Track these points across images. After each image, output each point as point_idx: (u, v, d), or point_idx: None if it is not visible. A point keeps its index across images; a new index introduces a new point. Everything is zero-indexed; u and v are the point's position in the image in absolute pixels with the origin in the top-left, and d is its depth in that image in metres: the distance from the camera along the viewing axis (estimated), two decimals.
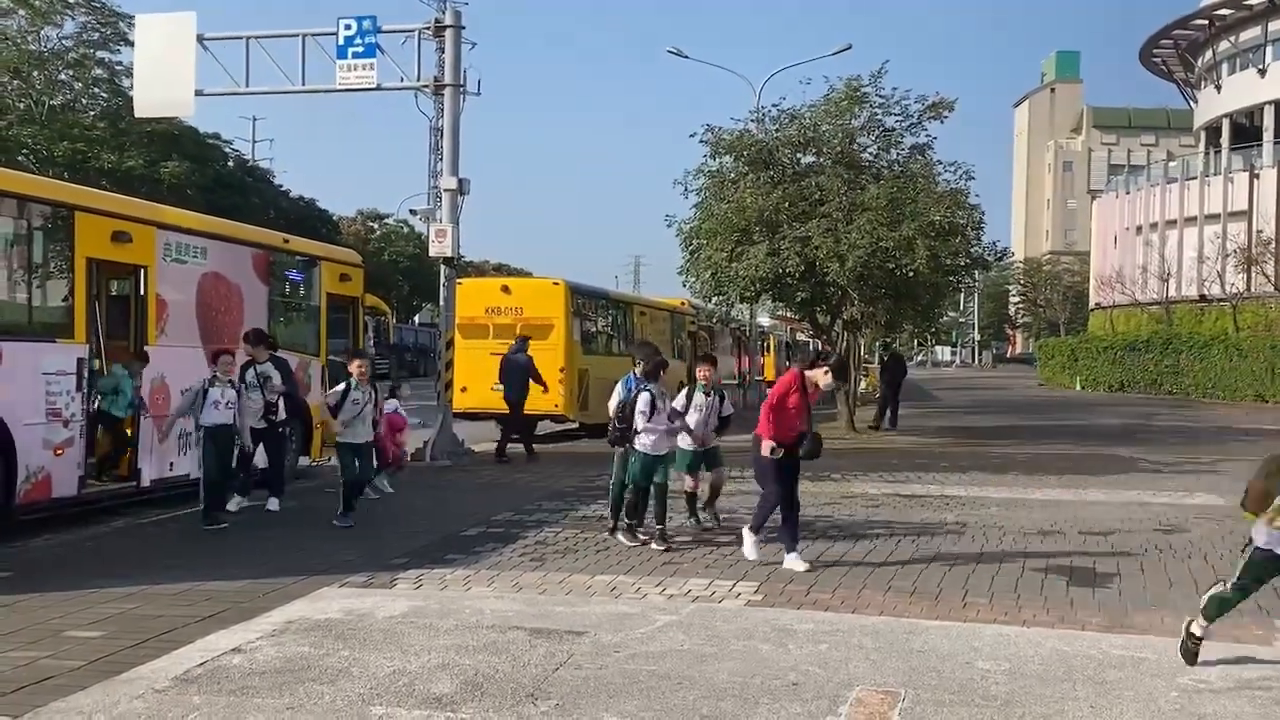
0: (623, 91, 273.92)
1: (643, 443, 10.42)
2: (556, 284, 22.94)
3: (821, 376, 9.59)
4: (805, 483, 15.53)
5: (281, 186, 59.89)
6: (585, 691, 6.10)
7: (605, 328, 25.89)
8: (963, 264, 23.66)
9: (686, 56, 38.42)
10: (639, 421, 10.31)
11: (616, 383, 12.10)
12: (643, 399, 10.34)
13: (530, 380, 19.00)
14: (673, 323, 30.31)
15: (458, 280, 20.46)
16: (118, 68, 45.69)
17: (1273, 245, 49.43)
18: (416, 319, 74.25)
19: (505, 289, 23.70)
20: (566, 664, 6.59)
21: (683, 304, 31.52)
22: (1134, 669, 6.61)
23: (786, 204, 21.95)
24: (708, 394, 11.25)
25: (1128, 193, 70.42)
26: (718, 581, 8.93)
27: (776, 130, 23.30)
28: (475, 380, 21.28)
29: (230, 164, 55.07)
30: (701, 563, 9.75)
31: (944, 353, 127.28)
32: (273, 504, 12.42)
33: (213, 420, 11.43)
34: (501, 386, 19.16)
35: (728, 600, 8.35)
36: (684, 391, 11.40)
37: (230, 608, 7.87)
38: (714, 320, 33.12)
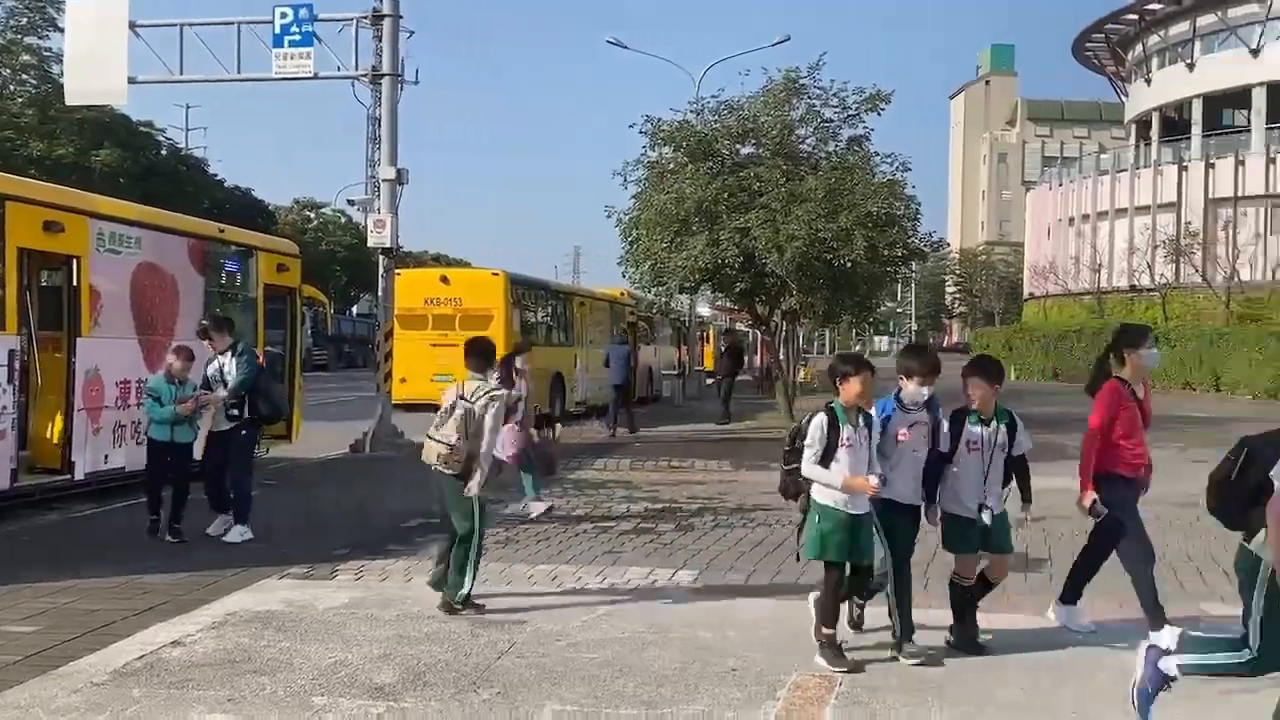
0: (562, 81, 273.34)
1: (826, 493, 6.52)
2: (496, 274, 22.92)
3: None
4: (745, 472, 15.78)
5: (216, 175, 59.14)
6: (528, 679, 6.15)
7: (545, 318, 25.89)
8: (900, 255, 23.92)
9: (626, 47, 38.45)
10: (805, 460, 6.52)
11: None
12: (816, 424, 6.52)
13: (630, 365, 22.11)
14: (612, 313, 30.37)
15: (396, 271, 20.36)
16: (46, 54, 44.80)
17: (1200, 237, 50.53)
18: (354, 310, 73.77)
19: (444, 279, 23.64)
20: (509, 652, 6.64)
21: (623, 294, 31.58)
22: (1067, 650, 6.77)
23: (725, 195, 22.04)
24: (986, 423, 6.80)
25: (1060, 184, 71.59)
26: (658, 570, 9.00)
27: (716, 121, 23.38)
28: (414, 371, 21.21)
29: (163, 152, 54.26)
30: (642, 551, 9.83)
31: (882, 342, 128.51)
32: (235, 533, 10.23)
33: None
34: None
35: (669, 588, 8.43)
36: (946, 421, 6.83)
37: (168, 600, 7.82)
38: (654, 311, 33.19)
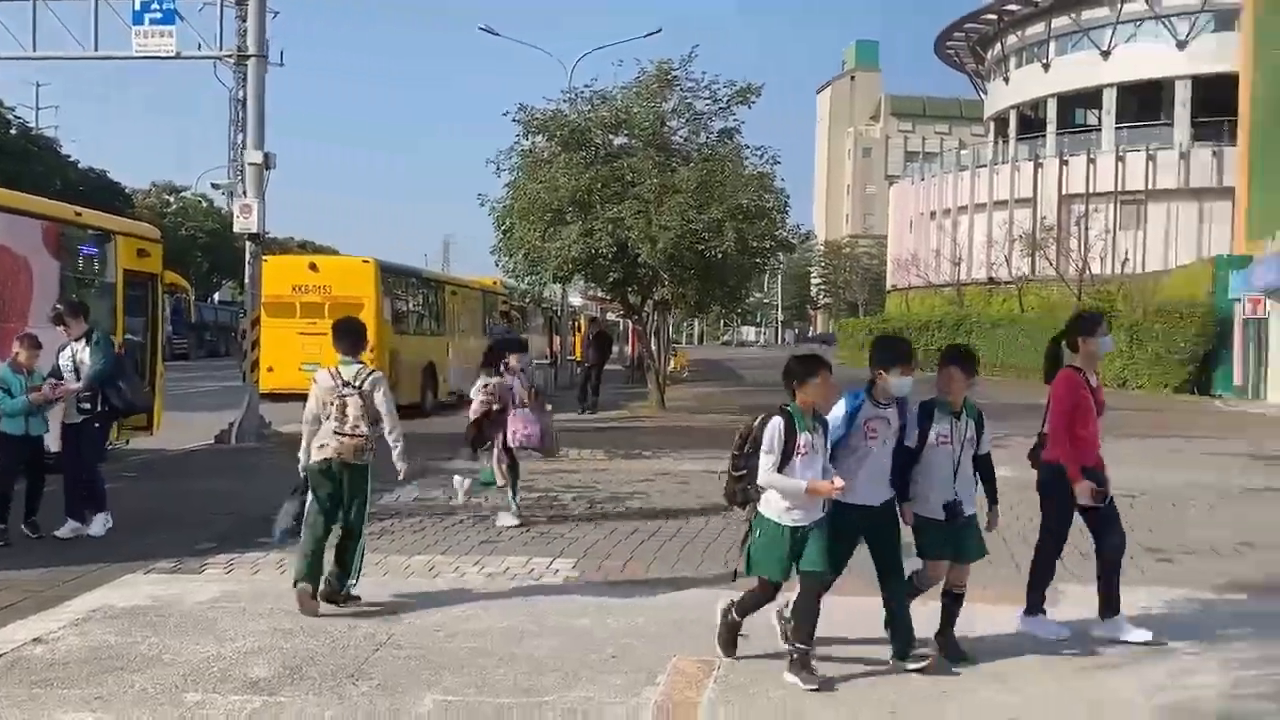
0: (434, 68, 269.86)
1: (771, 504, 6.14)
2: (366, 262, 22.56)
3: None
4: (619, 460, 15.86)
5: (69, 156, 56.90)
6: (407, 671, 6.11)
7: (417, 307, 25.60)
8: (769, 246, 24.30)
9: (498, 34, 38.18)
10: (764, 469, 6.04)
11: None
12: (772, 429, 6.04)
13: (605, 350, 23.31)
14: (485, 302, 30.19)
15: (263, 257, 19.88)
16: None
17: (1054, 231, 52.38)
18: (216, 297, 71.76)
19: (313, 266, 23.19)
20: (387, 644, 6.58)
21: (495, 283, 31.42)
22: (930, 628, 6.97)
23: (599, 185, 22.12)
24: (956, 416, 6.51)
25: (922, 179, 73.52)
26: (535, 559, 9.00)
27: (589, 111, 23.42)
28: (282, 360, 20.78)
29: (12, 131, 52.02)
30: (519, 540, 9.82)
31: (749, 332, 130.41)
32: (97, 524, 9.84)
33: None
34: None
35: (546, 577, 8.44)
36: (911, 414, 6.44)
37: (27, 597, 7.55)
38: (527, 300, 33.10)
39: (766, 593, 6.25)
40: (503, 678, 6.02)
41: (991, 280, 58.65)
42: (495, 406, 10.76)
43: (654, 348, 27.20)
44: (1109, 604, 6.85)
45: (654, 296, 25.14)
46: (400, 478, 7.55)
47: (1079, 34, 60.74)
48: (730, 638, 6.40)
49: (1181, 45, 56.00)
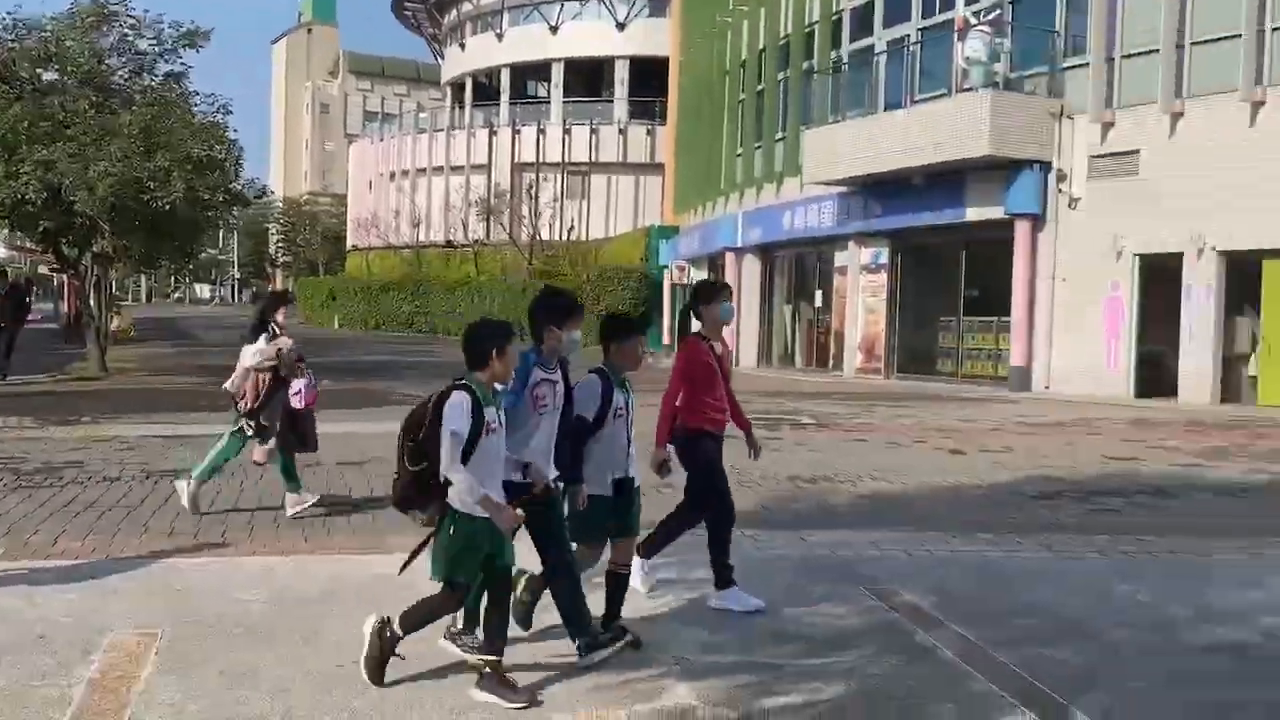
0: None
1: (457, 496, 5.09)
2: None
3: None
4: (52, 428, 14.58)
5: None
6: None
7: None
8: (221, 199, 23.47)
9: None
10: (447, 457, 4.95)
11: None
12: (458, 408, 4.97)
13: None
14: None
15: None
16: None
17: (508, 197, 54.58)
18: None
19: None
20: None
21: None
22: (391, 582, 6.97)
23: (26, 123, 20.19)
24: (625, 387, 6.06)
25: (382, 140, 73.54)
26: None
27: (12, 41, 21.27)
28: None
29: None
30: None
31: (203, 290, 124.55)
32: None
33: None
34: None
35: None
36: (591, 380, 5.91)
37: None
38: None
39: (458, 600, 5.30)
40: None
41: (449, 243, 60.07)
42: (282, 373, 9.08)
43: (94, 305, 25.20)
44: (720, 576, 6.73)
45: (93, 249, 23.36)
46: None
47: (530, 7, 63.42)
48: (384, 659, 5.22)
49: (621, 26, 60.20)
